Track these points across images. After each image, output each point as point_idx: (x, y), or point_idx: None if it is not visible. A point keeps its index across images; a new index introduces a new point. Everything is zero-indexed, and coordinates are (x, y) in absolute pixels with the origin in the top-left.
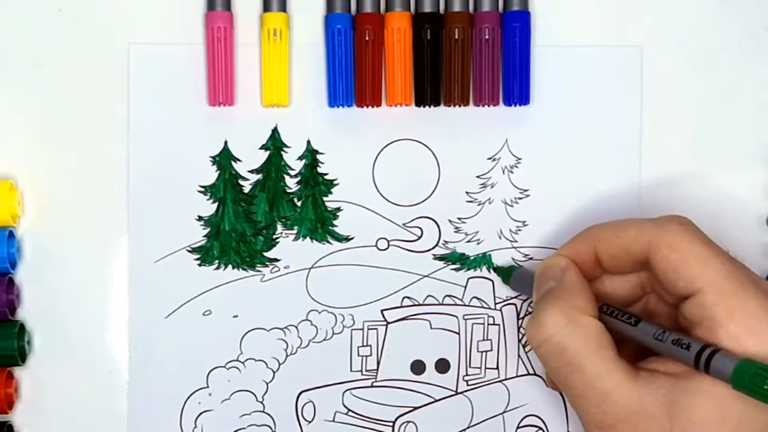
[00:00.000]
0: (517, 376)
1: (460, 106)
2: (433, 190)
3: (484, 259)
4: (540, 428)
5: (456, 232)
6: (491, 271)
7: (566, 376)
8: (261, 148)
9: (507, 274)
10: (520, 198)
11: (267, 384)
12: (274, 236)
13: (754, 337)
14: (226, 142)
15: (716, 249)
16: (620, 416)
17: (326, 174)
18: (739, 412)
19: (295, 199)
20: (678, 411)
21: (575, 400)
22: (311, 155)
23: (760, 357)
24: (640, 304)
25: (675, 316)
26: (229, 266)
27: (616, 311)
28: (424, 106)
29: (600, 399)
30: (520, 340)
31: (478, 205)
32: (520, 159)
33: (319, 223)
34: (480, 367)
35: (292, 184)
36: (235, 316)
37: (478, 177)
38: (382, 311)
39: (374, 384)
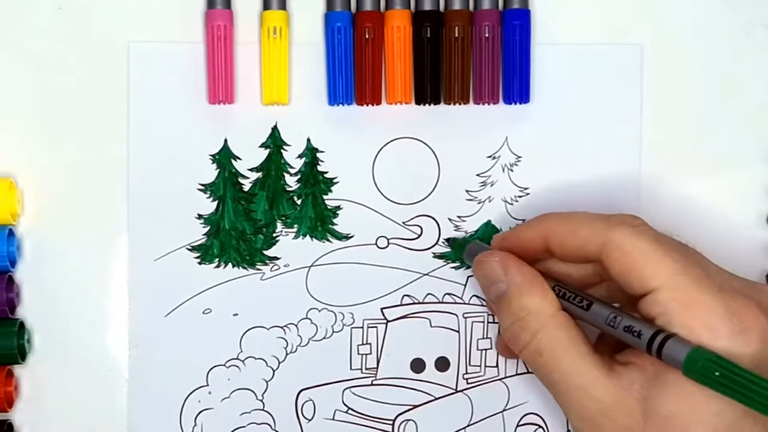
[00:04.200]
0: (516, 375)
1: (460, 104)
2: (433, 189)
3: None
4: (540, 426)
5: (456, 230)
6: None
7: (546, 375)
8: (261, 147)
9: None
10: (520, 196)
11: (267, 382)
12: (274, 234)
13: (710, 331)
14: (225, 141)
15: (669, 246)
16: (599, 410)
17: (326, 172)
18: (706, 406)
19: (295, 198)
20: (649, 406)
21: (557, 396)
22: (311, 153)
23: (715, 351)
24: (599, 289)
25: (634, 303)
26: (229, 264)
27: (568, 293)
28: (424, 105)
29: (579, 395)
30: None
31: (478, 203)
32: (520, 157)
33: (318, 222)
34: (480, 366)
35: (291, 182)
36: (235, 315)
37: (478, 175)
38: (381, 309)
39: (374, 382)
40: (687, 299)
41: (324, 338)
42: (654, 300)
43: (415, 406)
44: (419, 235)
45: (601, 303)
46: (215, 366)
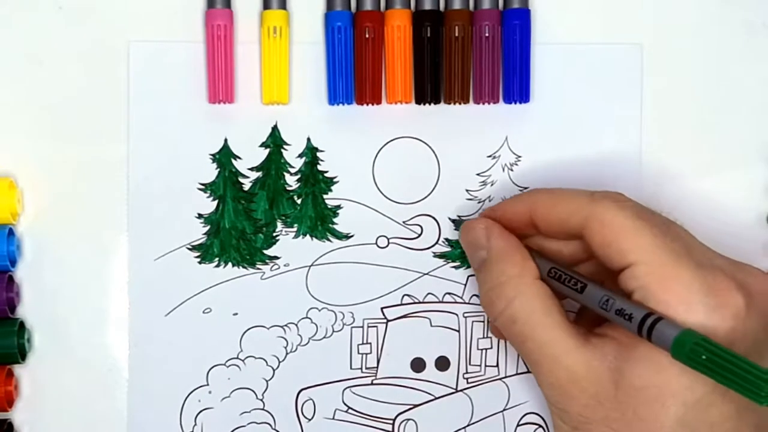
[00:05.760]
0: (517, 374)
1: (460, 103)
2: (433, 188)
3: None
4: (540, 426)
5: (456, 229)
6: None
7: (520, 344)
8: (261, 146)
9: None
10: None
11: (267, 382)
12: (274, 234)
13: (685, 306)
14: (226, 140)
15: (650, 221)
16: (570, 379)
17: (326, 172)
18: (677, 379)
19: (295, 197)
20: (622, 377)
21: (530, 365)
22: (311, 153)
23: (689, 326)
24: (587, 266)
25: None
26: (229, 264)
27: (563, 276)
28: (424, 104)
29: (551, 364)
30: None
31: (478, 203)
32: (520, 157)
33: (319, 221)
34: (480, 365)
35: (292, 181)
36: (235, 314)
37: (478, 175)
38: (382, 309)
39: (374, 382)
40: (664, 274)
41: (324, 338)
42: (632, 274)
43: (416, 406)
44: (419, 235)
45: (595, 285)
46: (215, 365)
